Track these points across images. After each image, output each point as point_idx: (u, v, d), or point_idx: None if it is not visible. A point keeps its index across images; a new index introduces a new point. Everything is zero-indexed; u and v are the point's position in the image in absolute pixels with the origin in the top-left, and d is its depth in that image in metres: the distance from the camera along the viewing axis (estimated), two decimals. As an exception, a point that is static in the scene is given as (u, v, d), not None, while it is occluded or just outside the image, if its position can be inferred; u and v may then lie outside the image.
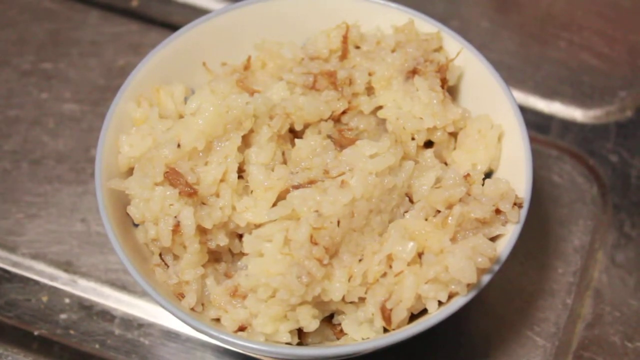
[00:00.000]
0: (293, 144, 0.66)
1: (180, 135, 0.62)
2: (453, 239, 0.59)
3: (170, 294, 0.63)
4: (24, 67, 0.90)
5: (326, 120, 0.66)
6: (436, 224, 0.60)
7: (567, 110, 0.88)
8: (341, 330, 0.63)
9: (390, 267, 0.60)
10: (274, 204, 0.62)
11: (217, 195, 0.63)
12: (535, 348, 0.74)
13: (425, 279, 0.59)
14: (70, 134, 0.85)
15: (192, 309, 0.63)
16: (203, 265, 0.64)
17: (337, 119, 0.67)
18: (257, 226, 0.62)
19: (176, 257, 0.64)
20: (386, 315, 0.60)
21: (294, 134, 0.67)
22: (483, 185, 0.62)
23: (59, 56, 0.90)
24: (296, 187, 0.62)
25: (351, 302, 0.62)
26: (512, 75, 0.89)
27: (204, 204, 0.63)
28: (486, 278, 0.59)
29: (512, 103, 0.65)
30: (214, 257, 0.65)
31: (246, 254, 0.63)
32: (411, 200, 0.65)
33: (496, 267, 0.60)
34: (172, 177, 0.62)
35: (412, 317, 0.61)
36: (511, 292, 0.76)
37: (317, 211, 0.60)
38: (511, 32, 0.93)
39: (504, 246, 0.60)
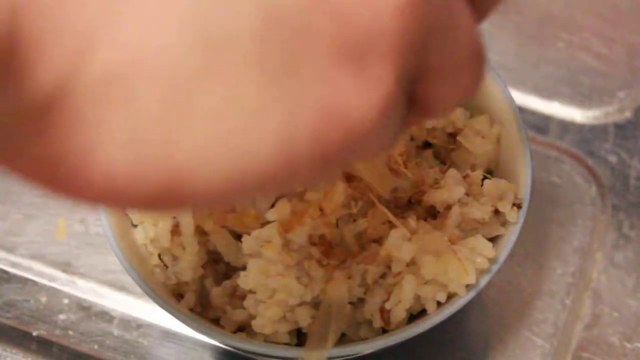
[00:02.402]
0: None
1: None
2: (452, 240, 0.59)
3: (169, 295, 0.63)
4: (23, 68, 0.90)
5: (325, 122, 0.66)
6: (435, 224, 0.60)
7: (566, 110, 0.87)
8: (340, 331, 0.63)
9: (389, 267, 0.60)
10: (273, 205, 0.62)
11: (216, 196, 0.63)
12: (534, 349, 0.74)
13: (424, 279, 0.59)
14: (69, 134, 0.85)
15: (191, 310, 0.63)
16: (202, 266, 0.64)
17: (336, 120, 0.67)
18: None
19: (175, 258, 0.64)
20: (385, 316, 0.60)
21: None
22: (482, 185, 0.62)
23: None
24: (295, 188, 0.62)
25: (350, 303, 0.62)
26: (511, 76, 0.89)
27: (203, 204, 0.62)
28: (485, 279, 0.59)
29: (511, 104, 0.65)
30: (213, 257, 0.65)
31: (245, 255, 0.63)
32: (410, 201, 0.65)
33: (495, 268, 0.59)
34: (171, 177, 0.61)
35: (412, 318, 0.61)
36: (510, 293, 0.76)
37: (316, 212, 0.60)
38: (510, 33, 0.93)
39: (502, 247, 0.60)
